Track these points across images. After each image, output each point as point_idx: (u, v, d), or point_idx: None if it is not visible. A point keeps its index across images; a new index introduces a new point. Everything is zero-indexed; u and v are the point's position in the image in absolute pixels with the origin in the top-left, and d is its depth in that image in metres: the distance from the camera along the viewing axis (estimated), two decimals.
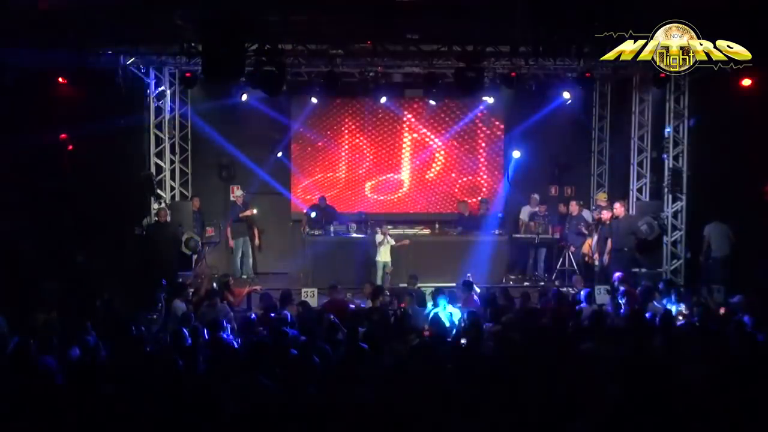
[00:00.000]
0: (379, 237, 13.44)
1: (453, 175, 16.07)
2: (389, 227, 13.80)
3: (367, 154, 15.93)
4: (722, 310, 9.78)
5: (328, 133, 15.78)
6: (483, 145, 16.05)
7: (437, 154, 16.05)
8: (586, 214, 14.52)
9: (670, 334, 8.29)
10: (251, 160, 15.15)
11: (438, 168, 16.08)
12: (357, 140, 15.87)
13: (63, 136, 13.29)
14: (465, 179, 16.10)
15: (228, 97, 14.05)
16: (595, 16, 8.77)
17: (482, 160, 16.09)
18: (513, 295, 11.03)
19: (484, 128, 16.00)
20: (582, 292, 10.94)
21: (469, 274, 11.92)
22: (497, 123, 15.95)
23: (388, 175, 16.02)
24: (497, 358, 7.33)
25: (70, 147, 13.32)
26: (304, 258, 14.12)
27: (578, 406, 5.66)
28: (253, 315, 9.81)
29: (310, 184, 15.82)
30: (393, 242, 13.51)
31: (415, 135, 15.95)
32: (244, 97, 13.93)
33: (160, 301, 10.32)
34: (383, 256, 13.44)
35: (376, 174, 15.99)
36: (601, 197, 14.90)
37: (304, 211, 15.02)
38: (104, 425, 5.51)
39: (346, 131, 15.85)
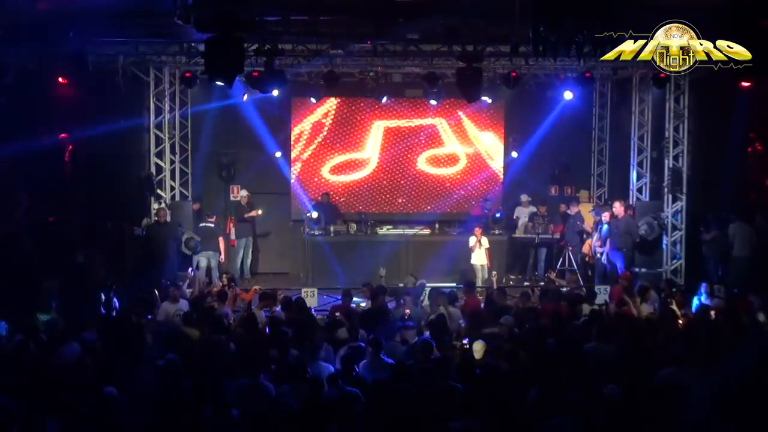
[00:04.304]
0: (472, 240, 13.52)
1: (452, 175, 16.06)
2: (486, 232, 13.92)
3: (367, 154, 15.91)
4: (713, 313, 9.80)
5: (327, 133, 15.76)
6: (483, 145, 16.03)
7: (437, 154, 16.03)
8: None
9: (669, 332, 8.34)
10: (251, 160, 15.15)
11: (437, 168, 16.06)
12: (357, 140, 15.85)
13: (63, 135, 13.27)
14: (464, 179, 16.08)
15: (228, 97, 14.04)
16: (595, 16, 8.74)
17: (482, 160, 16.07)
18: (513, 295, 11.03)
19: (484, 128, 15.98)
20: None
21: (494, 272, 11.88)
22: (497, 123, 15.94)
23: (388, 174, 16.01)
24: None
25: (70, 147, 13.30)
26: (304, 258, 14.12)
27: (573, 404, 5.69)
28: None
29: (309, 183, 15.80)
30: (487, 245, 13.59)
31: (414, 134, 15.93)
32: (245, 97, 13.93)
33: (156, 302, 10.33)
34: (480, 258, 13.53)
35: (375, 173, 15.97)
36: (583, 195, 14.83)
37: (306, 210, 14.98)
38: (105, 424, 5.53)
39: (346, 131, 15.83)
